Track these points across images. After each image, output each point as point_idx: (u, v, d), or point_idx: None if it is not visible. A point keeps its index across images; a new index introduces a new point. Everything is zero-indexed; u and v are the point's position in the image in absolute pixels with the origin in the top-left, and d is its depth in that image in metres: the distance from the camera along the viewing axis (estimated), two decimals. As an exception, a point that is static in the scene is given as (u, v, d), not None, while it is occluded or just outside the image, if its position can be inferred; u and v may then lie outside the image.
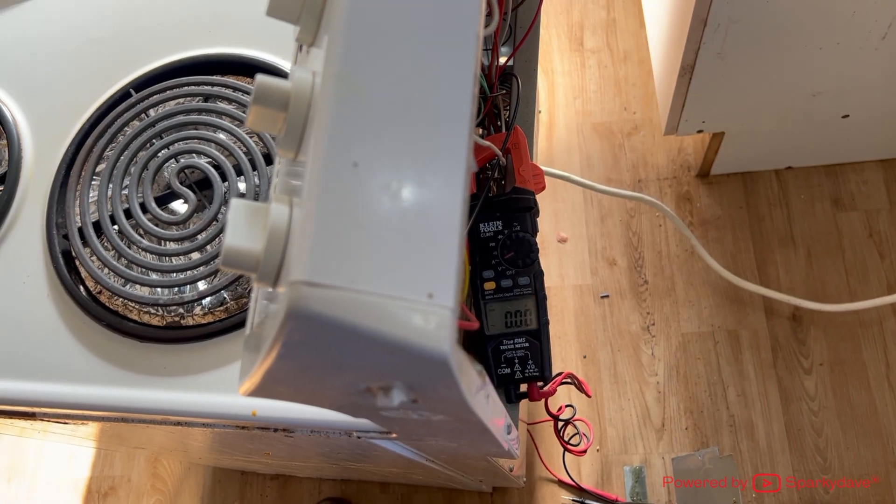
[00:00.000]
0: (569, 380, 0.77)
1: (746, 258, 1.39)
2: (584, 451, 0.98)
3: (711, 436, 1.29)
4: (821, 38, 1.05)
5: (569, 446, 0.91)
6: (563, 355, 1.39)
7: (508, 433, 0.53)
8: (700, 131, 1.28)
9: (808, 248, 1.38)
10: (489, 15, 0.48)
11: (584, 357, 1.38)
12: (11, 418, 0.60)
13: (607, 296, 1.42)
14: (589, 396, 0.88)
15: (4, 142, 0.65)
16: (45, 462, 1.51)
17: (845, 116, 1.25)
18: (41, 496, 1.48)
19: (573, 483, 1.28)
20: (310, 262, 0.26)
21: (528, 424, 1.28)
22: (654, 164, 1.50)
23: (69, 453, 1.50)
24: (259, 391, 0.33)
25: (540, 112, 1.58)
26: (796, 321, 1.34)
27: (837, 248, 1.37)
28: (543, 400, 0.77)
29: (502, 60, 0.71)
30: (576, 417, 0.94)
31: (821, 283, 1.35)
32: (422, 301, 0.26)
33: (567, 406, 0.90)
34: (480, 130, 0.71)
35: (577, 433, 1.04)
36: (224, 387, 0.53)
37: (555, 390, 0.71)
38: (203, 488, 1.43)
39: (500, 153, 0.59)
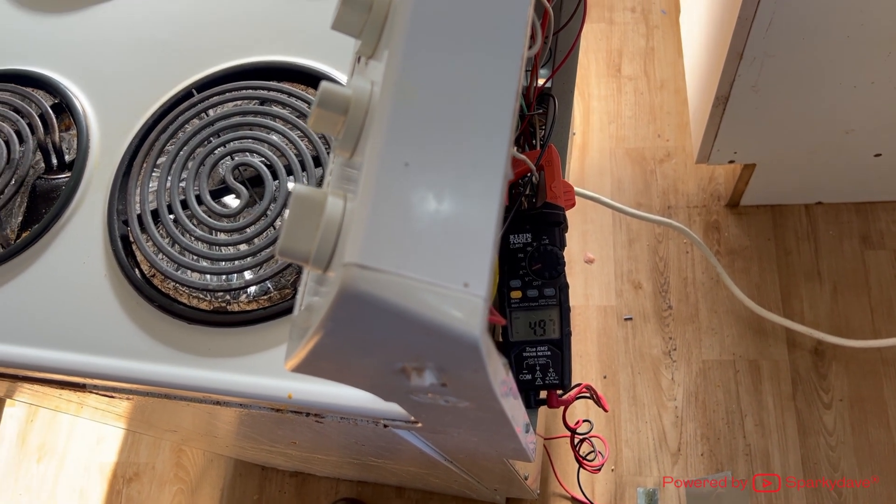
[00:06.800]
0: (587, 392, 0.79)
1: (771, 290, 1.40)
2: (599, 469, 1.00)
3: (727, 463, 1.30)
4: (855, 76, 1.07)
5: (584, 461, 0.93)
6: (584, 374, 1.41)
7: (527, 432, 0.56)
8: (731, 161, 1.30)
9: (833, 284, 1.39)
10: (532, 38, 0.51)
11: (605, 377, 1.40)
12: (62, 388, 0.64)
13: (631, 318, 1.43)
14: (606, 411, 0.91)
15: (74, 132, 0.70)
16: (75, 445, 1.56)
17: (878, 155, 1.26)
18: (68, 477, 1.53)
19: (586, 500, 1.30)
20: (362, 247, 0.29)
21: (545, 440, 1.30)
22: (684, 192, 1.52)
23: (98, 437, 1.55)
24: (304, 366, 0.37)
25: (574, 134, 1.61)
26: (818, 355, 1.34)
27: (864, 285, 1.38)
28: (562, 413, 0.79)
29: (541, 82, 0.74)
30: (592, 434, 0.96)
31: (845, 320, 1.36)
32: (458, 289, 0.30)
33: (584, 421, 0.92)
34: (515, 148, 0.74)
35: (593, 450, 1.06)
36: (264, 370, 0.56)
37: (573, 399, 0.74)
38: (224, 480, 1.47)
39: (533, 167, 0.62)
